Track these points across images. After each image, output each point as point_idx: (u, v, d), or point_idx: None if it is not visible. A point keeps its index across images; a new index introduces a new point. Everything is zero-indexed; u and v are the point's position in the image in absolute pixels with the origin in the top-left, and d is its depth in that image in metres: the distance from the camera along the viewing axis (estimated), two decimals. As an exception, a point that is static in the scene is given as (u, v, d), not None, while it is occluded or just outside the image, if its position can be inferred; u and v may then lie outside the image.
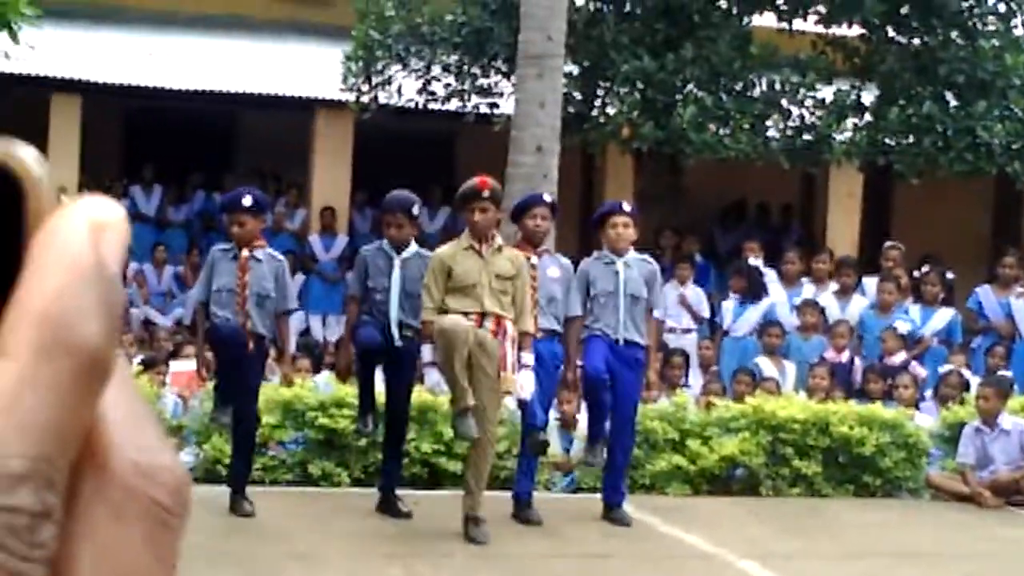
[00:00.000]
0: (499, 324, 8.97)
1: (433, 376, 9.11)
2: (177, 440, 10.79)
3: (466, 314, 8.94)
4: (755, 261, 15.52)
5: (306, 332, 16.92)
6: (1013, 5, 16.76)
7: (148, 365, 11.55)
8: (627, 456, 10.16)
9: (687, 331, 15.30)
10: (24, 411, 0.45)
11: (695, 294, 15.57)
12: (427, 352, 9.10)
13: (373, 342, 9.51)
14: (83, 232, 0.48)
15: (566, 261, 10.18)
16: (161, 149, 19.07)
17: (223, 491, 9.66)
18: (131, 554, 0.48)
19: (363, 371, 9.86)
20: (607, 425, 9.93)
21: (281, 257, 10.08)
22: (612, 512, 9.90)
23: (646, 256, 10.25)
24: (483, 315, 8.95)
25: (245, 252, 9.54)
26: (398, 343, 9.52)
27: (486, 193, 9.13)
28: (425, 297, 9.11)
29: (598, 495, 10.15)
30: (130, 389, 0.49)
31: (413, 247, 9.70)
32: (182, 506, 0.51)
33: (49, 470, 0.45)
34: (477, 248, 9.05)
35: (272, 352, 10.34)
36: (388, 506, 9.68)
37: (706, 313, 15.55)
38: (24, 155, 0.49)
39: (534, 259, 9.60)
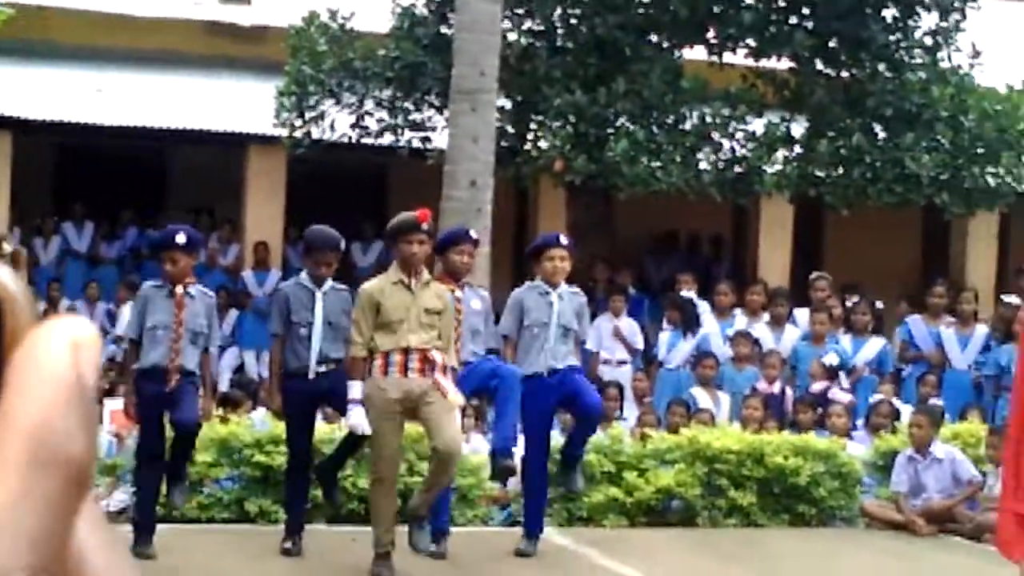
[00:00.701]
0: (424, 359, 8.92)
1: (357, 414, 9.02)
2: (111, 479, 10.71)
3: (388, 353, 8.89)
4: (688, 293, 15.62)
5: (240, 368, 16.85)
6: (939, 39, 16.97)
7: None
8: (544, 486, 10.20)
9: (621, 363, 15.35)
10: (21, 523, 0.46)
11: (629, 326, 15.63)
12: (355, 389, 9.02)
13: (300, 402, 9.56)
14: (63, 351, 0.50)
15: (485, 293, 10.25)
16: (93, 185, 18.98)
17: (162, 530, 9.59)
18: None
19: (295, 479, 9.79)
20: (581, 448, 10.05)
21: (211, 294, 10.07)
22: (525, 542, 9.89)
23: (576, 288, 10.30)
24: (407, 352, 8.92)
25: (179, 289, 9.50)
26: (312, 375, 9.51)
27: (425, 226, 9.14)
28: (354, 333, 9.04)
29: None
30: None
31: (329, 282, 9.74)
32: None
33: None
34: (407, 282, 9.01)
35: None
36: (331, 494, 9.80)
37: (640, 345, 15.61)
38: (1, 275, 0.50)
39: (458, 292, 9.63)
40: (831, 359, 13.97)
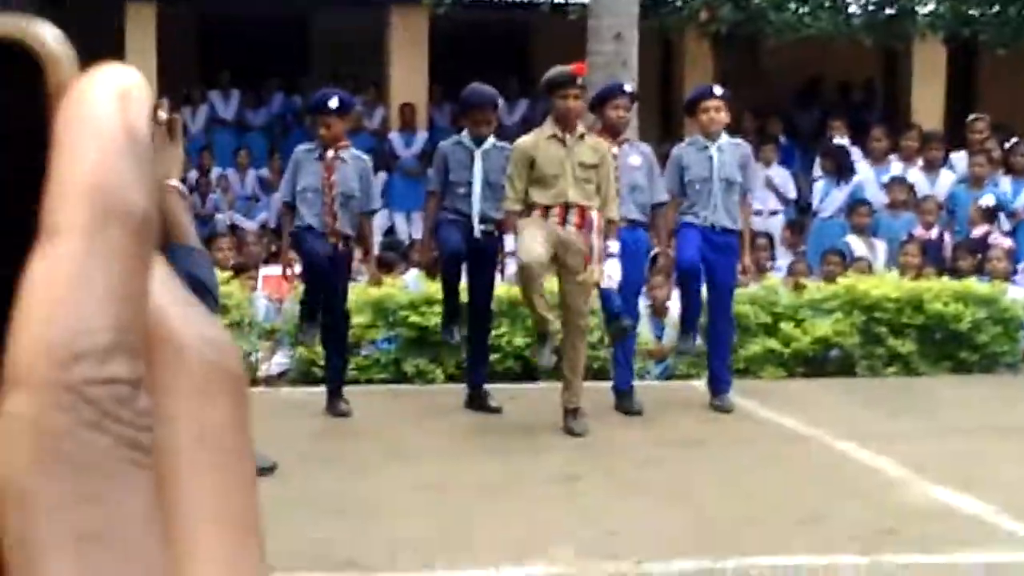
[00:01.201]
0: (583, 215, 8.88)
1: (515, 267, 9.04)
2: (271, 343, 10.85)
3: (548, 208, 8.86)
4: (841, 140, 15.33)
5: (391, 231, 16.93)
6: None
7: (239, 270, 11.59)
8: (728, 343, 10.12)
9: (773, 213, 15.17)
10: (95, 283, 0.45)
11: (780, 175, 15.42)
12: (509, 243, 9.05)
13: (455, 246, 9.50)
14: (110, 101, 0.47)
15: (647, 148, 10.08)
16: (237, 53, 19.05)
17: (319, 392, 9.73)
18: (222, 428, 0.48)
19: (447, 279, 9.82)
20: (699, 316, 9.92)
21: (365, 157, 10.03)
22: (716, 399, 9.89)
23: (738, 140, 10.14)
24: (567, 206, 8.87)
25: (331, 152, 9.51)
26: (478, 235, 9.49)
27: (580, 80, 9.04)
28: (508, 188, 9.03)
29: (693, 382, 10.14)
30: (165, 271, 0.48)
31: (491, 139, 9.65)
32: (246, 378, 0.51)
33: (132, 338, 0.45)
34: (560, 137, 8.94)
35: (358, 253, 10.32)
36: (477, 402, 9.71)
37: (792, 194, 15.40)
38: (42, 32, 0.47)
39: (615, 149, 9.52)
40: (987, 200, 13.66)
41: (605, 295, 9.26)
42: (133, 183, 0.46)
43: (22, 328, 0.44)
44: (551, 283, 9.23)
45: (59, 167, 0.46)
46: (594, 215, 8.89)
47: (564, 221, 8.86)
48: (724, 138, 9.87)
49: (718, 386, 9.94)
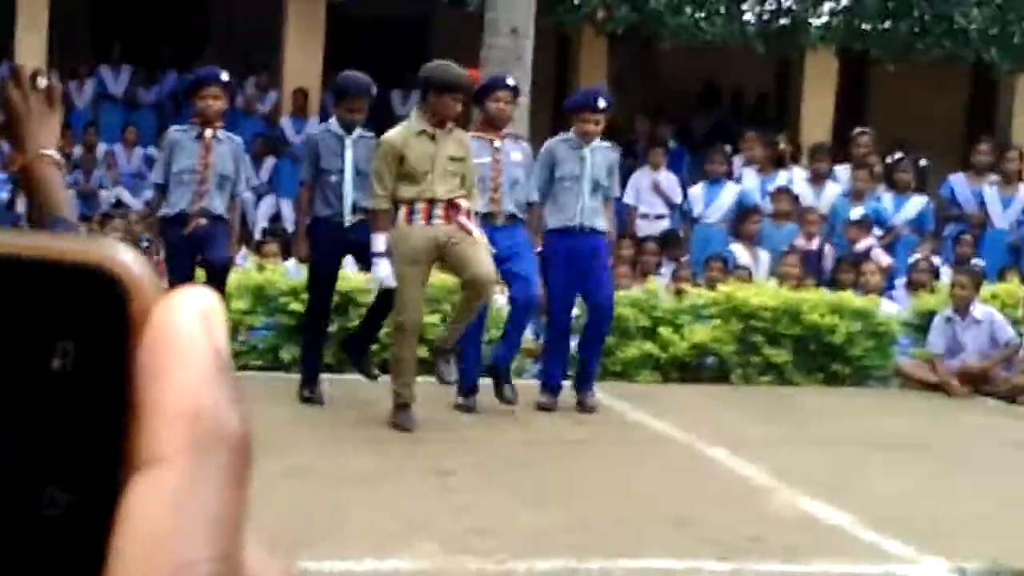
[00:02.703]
0: (450, 207, 8.85)
1: (383, 267, 8.97)
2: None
3: (412, 203, 8.80)
4: (728, 147, 15.46)
5: (276, 217, 16.83)
6: None
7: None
8: (600, 346, 10.14)
9: (659, 217, 15.26)
10: (199, 511, 0.45)
11: (668, 180, 15.51)
12: (379, 242, 8.95)
13: (328, 270, 9.51)
14: (195, 323, 0.48)
15: (527, 144, 10.11)
16: (130, 29, 18.83)
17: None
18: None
19: (317, 306, 9.73)
20: (566, 363, 9.97)
21: (239, 139, 9.98)
22: (582, 398, 9.92)
23: (609, 144, 10.17)
24: (432, 202, 8.84)
25: (208, 132, 9.44)
26: (347, 224, 9.43)
27: (468, 87, 9.06)
28: (376, 185, 8.90)
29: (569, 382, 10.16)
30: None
31: (359, 128, 9.63)
32: None
33: (233, 566, 0.46)
34: (430, 132, 8.90)
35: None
36: (361, 365, 9.63)
37: (678, 199, 15.50)
38: (125, 256, 0.48)
39: (497, 142, 9.54)
40: (856, 213, 13.85)
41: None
42: (228, 406, 0.47)
43: (127, 556, 0.44)
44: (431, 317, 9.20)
45: (153, 393, 0.46)
46: (461, 202, 8.84)
47: (430, 216, 8.82)
48: (597, 140, 9.91)
49: (584, 385, 9.98)
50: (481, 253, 8.76)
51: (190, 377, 0.46)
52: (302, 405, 9.54)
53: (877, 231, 13.93)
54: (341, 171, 9.49)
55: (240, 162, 9.69)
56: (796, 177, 14.86)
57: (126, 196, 16.93)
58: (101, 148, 17.36)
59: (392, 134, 9.03)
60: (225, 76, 9.57)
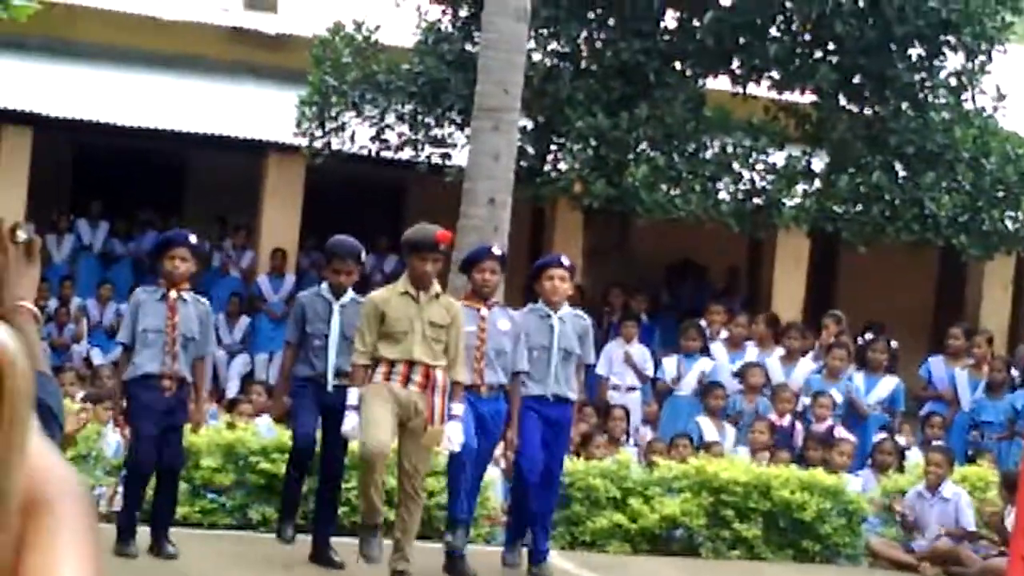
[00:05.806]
0: (428, 375, 8.90)
1: (350, 419, 8.98)
2: (117, 479, 10.66)
3: (392, 363, 8.86)
4: (703, 322, 15.55)
5: (250, 375, 16.81)
6: (964, 80, 16.93)
7: (95, 401, 11.40)
8: (551, 513, 10.10)
9: (631, 389, 15.29)
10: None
11: (640, 352, 15.57)
12: (353, 396, 8.96)
13: (308, 435, 9.49)
14: (78, 511, 0.51)
15: (516, 314, 10.14)
16: (111, 185, 18.97)
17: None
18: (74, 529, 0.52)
19: (296, 466, 9.74)
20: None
21: (205, 301, 9.98)
22: (535, 567, 9.84)
23: (579, 311, 10.24)
24: (411, 364, 8.89)
25: (173, 294, 9.46)
26: (331, 390, 9.44)
27: (442, 247, 9.15)
28: (358, 341, 9.00)
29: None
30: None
31: (350, 293, 9.68)
32: None
33: None
34: (414, 295, 8.98)
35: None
36: (320, 556, 9.58)
37: (650, 371, 15.55)
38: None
39: (484, 311, 9.59)
40: (835, 396, 13.90)
41: (454, 459, 9.28)
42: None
43: None
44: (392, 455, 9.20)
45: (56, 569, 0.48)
46: (439, 374, 8.90)
47: (408, 379, 8.87)
48: (566, 308, 9.96)
49: (538, 556, 9.90)
50: (422, 453, 8.97)
51: (89, 559, 0.49)
52: (276, 567, 9.42)
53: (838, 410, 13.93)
54: (326, 335, 9.52)
55: (206, 324, 9.68)
56: (772, 354, 14.90)
57: (95, 353, 16.90)
58: (76, 301, 17.38)
59: (376, 293, 9.25)
60: (194, 238, 9.62)
